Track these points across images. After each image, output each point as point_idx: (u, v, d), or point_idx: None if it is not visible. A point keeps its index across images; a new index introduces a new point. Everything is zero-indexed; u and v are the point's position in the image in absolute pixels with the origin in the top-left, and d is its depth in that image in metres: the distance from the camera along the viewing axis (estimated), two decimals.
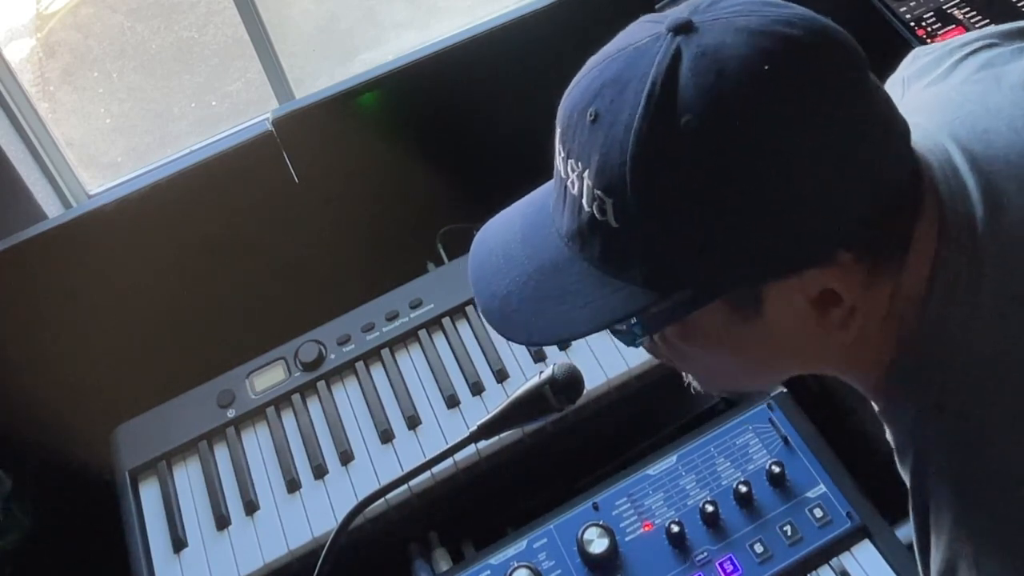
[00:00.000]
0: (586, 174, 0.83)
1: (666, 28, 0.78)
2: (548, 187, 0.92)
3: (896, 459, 0.91)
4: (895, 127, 0.80)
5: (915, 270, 0.84)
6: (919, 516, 0.87)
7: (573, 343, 1.66)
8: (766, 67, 0.75)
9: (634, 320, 0.87)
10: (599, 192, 0.81)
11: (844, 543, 1.41)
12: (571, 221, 0.86)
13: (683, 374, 1.02)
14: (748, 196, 0.77)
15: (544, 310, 0.92)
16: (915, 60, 1.05)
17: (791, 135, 0.76)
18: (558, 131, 0.86)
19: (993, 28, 1.02)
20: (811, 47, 0.77)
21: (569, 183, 0.85)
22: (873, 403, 0.94)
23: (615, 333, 0.90)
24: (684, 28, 0.77)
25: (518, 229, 0.97)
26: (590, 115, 0.82)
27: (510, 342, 1.12)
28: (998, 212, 0.84)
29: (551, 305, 0.91)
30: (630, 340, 0.91)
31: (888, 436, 0.91)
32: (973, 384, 0.84)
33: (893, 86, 1.04)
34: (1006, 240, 0.84)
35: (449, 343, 1.70)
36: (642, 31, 0.80)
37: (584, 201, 0.84)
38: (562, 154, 0.86)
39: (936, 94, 0.97)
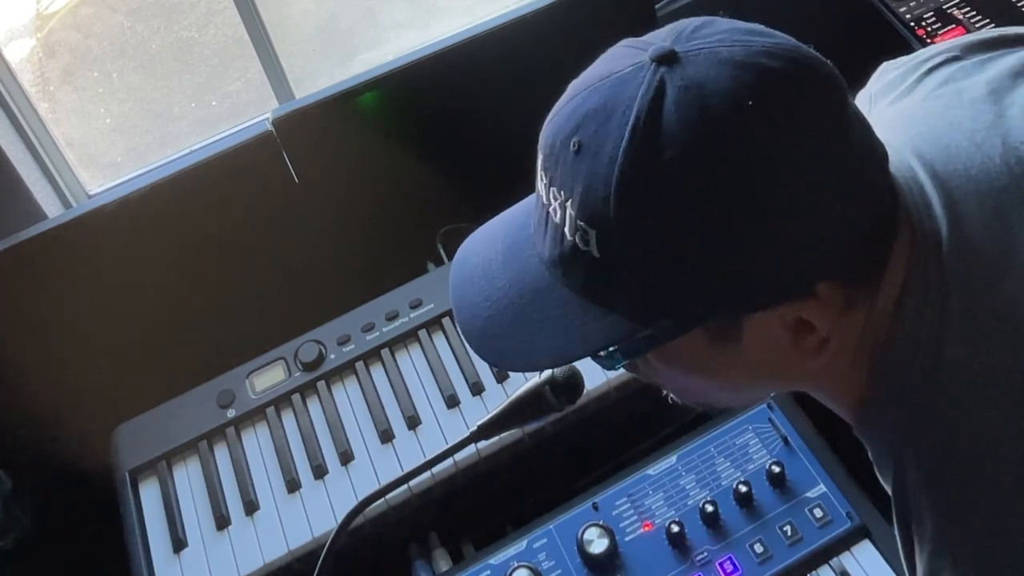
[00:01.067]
0: (569, 204, 0.83)
1: (649, 58, 0.78)
2: (529, 205, 0.93)
3: (877, 474, 0.92)
4: (874, 154, 0.82)
5: (887, 291, 0.85)
6: (903, 528, 0.89)
7: None
8: (749, 102, 0.76)
9: (615, 347, 0.88)
10: (582, 223, 0.82)
11: (844, 543, 1.41)
12: (553, 248, 0.86)
13: (662, 389, 1.03)
14: (731, 231, 0.77)
15: (525, 335, 0.92)
16: (882, 75, 1.06)
17: (773, 171, 0.77)
18: (540, 157, 0.86)
19: (956, 40, 1.03)
20: (794, 80, 0.78)
21: (551, 210, 0.86)
22: (849, 421, 0.95)
23: (594, 358, 0.90)
24: (668, 59, 0.78)
25: (500, 249, 0.97)
26: (573, 145, 0.82)
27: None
28: (960, 227, 0.85)
29: (532, 330, 0.92)
30: (609, 365, 0.91)
31: (868, 452, 0.92)
32: (945, 398, 0.85)
33: (861, 101, 1.05)
34: (969, 255, 0.85)
35: (449, 343, 1.70)
36: (624, 58, 0.81)
37: (567, 230, 0.84)
38: (544, 180, 0.86)
39: (900, 111, 0.99)
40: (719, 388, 0.96)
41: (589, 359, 1.00)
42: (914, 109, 0.97)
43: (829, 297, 0.80)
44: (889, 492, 0.89)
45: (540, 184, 0.87)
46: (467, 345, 1.61)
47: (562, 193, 0.83)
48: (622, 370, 1.05)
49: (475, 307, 0.98)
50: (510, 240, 0.95)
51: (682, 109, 0.76)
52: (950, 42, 1.03)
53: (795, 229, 0.78)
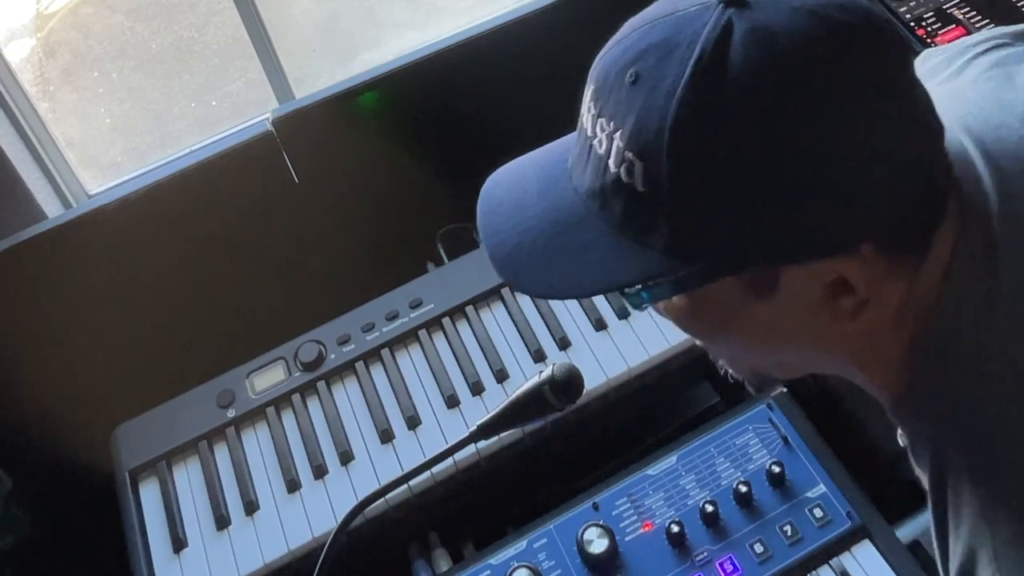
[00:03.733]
0: (617, 135, 0.82)
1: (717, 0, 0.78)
2: (565, 142, 0.92)
3: (911, 458, 0.91)
4: (932, 125, 0.81)
5: (933, 264, 0.84)
6: (938, 510, 0.87)
7: (573, 342, 1.67)
8: (819, 51, 0.75)
9: (646, 285, 0.87)
10: (630, 155, 0.81)
11: (844, 543, 1.41)
12: (593, 180, 0.86)
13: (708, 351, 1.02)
14: (784, 177, 0.77)
15: (556, 265, 0.92)
16: (926, 60, 1.06)
17: (834, 122, 0.76)
18: (590, 88, 0.85)
19: (1004, 29, 1.03)
20: (865, 36, 0.78)
21: (596, 142, 0.85)
22: (884, 403, 0.94)
23: (622, 294, 0.89)
24: (736, 2, 0.77)
25: (533, 181, 0.96)
26: (630, 76, 0.81)
27: (519, 292, 1.13)
28: (1010, 204, 0.85)
29: (563, 261, 0.91)
30: (637, 303, 0.90)
31: (900, 435, 0.91)
32: (990, 377, 0.84)
33: None
34: (1019, 232, 0.84)
35: (449, 343, 1.70)
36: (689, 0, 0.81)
37: (611, 161, 0.83)
38: (592, 112, 0.85)
39: (950, 90, 0.98)
40: (745, 348, 0.95)
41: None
42: (964, 89, 0.97)
43: (871, 259, 0.80)
44: (923, 477, 0.89)
45: (586, 116, 0.86)
46: (468, 341, 1.70)
47: (611, 124, 0.82)
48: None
49: (503, 234, 0.97)
50: (544, 174, 0.95)
51: (749, 50, 0.76)
52: (998, 30, 1.03)
53: (847, 183, 0.77)
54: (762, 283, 0.83)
